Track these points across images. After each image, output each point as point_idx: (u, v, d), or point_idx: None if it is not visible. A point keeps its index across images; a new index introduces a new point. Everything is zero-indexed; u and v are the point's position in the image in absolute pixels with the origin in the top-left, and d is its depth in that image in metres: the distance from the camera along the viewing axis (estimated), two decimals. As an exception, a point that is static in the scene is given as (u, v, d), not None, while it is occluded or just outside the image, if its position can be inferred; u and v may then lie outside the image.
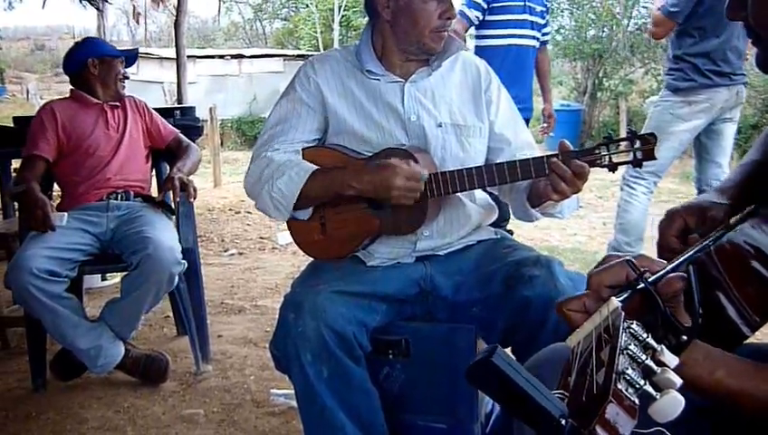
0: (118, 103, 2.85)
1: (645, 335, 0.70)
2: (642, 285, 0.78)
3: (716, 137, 3.44)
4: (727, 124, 3.43)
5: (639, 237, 3.53)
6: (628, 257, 0.86)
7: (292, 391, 1.69)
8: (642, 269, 0.80)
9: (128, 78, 2.90)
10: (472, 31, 3.96)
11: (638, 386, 0.65)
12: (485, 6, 3.72)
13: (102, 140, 2.75)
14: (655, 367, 0.68)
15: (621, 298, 0.77)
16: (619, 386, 0.63)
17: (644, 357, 0.68)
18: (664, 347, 0.70)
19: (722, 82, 3.28)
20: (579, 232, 5.34)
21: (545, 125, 4.33)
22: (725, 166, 3.49)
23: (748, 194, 1.19)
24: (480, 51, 3.75)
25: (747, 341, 0.89)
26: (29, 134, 2.72)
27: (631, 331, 0.70)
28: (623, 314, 0.72)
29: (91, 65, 2.80)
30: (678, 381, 0.67)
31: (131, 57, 2.96)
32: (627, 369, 0.65)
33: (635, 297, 0.78)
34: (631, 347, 0.68)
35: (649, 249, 3.43)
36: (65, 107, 2.79)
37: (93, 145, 2.73)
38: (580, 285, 1.64)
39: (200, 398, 2.56)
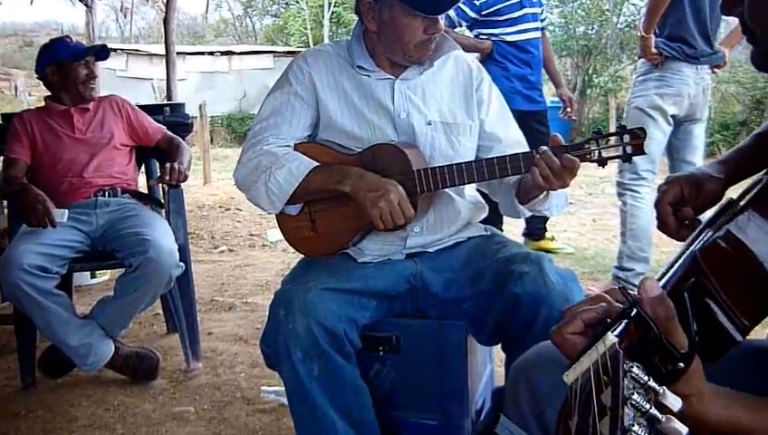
0: (88, 106, 2.78)
1: (646, 378, 0.68)
2: (635, 312, 0.76)
3: (686, 137, 3.45)
4: (696, 124, 3.44)
5: (650, 241, 3.42)
6: (601, 291, 0.86)
7: (283, 389, 1.69)
8: (637, 296, 0.78)
9: (95, 77, 2.77)
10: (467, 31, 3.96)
11: None
12: (476, 17, 3.70)
13: (73, 145, 2.71)
14: (659, 416, 0.66)
15: (616, 332, 0.76)
16: None
17: (648, 406, 0.66)
18: (666, 389, 0.68)
19: (691, 59, 3.27)
20: (569, 228, 5.35)
21: (569, 109, 4.25)
22: (699, 163, 3.49)
23: (749, 166, 1.22)
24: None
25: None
26: (6, 140, 2.70)
27: (632, 374, 0.68)
28: (621, 352, 0.70)
29: (50, 73, 2.74)
30: (684, 430, 0.66)
31: (101, 52, 2.81)
32: (633, 425, 0.63)
33: (630, 326, 0.77)
34: (634, 396, 0.66)
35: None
36: (36, 117, 2.75)
37: (67, 151, 2.70)
38: (569, 282, 1.65)
39: (190, 395, 2.56)
